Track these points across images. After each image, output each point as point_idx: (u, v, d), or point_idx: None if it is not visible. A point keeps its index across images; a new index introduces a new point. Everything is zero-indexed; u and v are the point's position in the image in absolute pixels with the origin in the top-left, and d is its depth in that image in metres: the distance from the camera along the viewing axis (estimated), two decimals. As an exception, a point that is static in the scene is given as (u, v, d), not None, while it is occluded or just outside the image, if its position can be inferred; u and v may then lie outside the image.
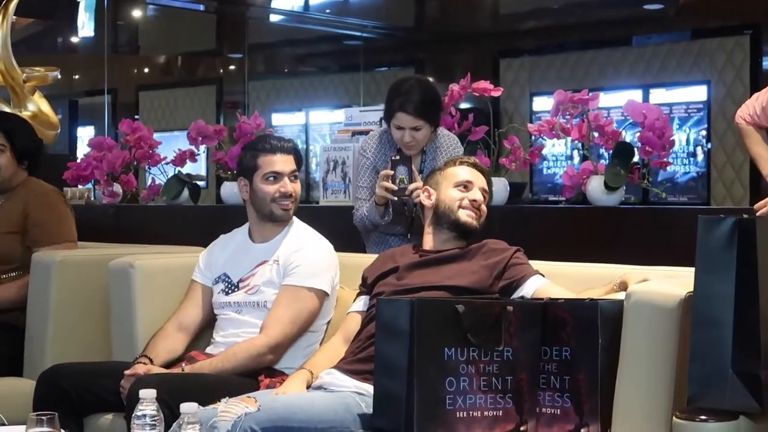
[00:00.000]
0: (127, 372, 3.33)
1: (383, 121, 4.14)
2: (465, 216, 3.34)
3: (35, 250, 4.16)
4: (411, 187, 3.81)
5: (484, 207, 3.38)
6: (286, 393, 3.12)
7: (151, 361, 3.40)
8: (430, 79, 4.27)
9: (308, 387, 3.19)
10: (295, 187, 3.58)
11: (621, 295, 2.80)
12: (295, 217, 3.65)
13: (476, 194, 3.36)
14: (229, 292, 3.59)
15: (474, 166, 3.44)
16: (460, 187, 3.37)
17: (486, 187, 3.42)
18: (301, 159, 3.66)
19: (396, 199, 3.88)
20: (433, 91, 4.04)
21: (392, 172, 3.85)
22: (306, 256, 3.52)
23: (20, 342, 4.06)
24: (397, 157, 3.90)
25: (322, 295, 3.52)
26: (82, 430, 3.48)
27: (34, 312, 4.02)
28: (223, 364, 3.37)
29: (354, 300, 3.45)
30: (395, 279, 3.32)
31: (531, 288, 3.14)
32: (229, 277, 3.62)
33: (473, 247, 3.32)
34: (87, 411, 3.51)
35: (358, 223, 4.08)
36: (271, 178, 3.55)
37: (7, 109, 5.76)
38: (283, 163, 3.56)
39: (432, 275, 3.24)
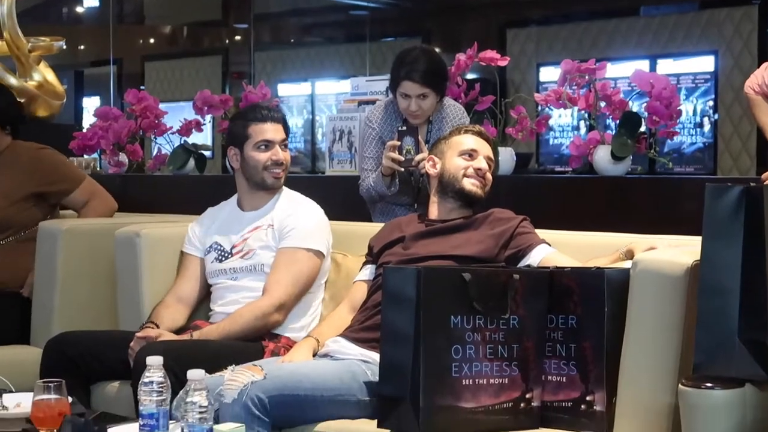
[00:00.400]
0: (138, 334, 3.34)
1: (389, 91, 4.12)
2: (470, 184, 3.33)
3: (65, 203, 4.23)
4: (417, 157, 3.81)
5: (489, 175, 3.37)
6: (292, 361, 3.13)
7: (158, 327, 3.42)
8: (436, 49, 4.25)
9: (314, 355, 3.20)
10: (285, 156, 3.61)
11: (627, 264, 2.80)
12: (284, 186, 3.67)
13: (481, 163, 3.35)
14: (223, 259, 3.61)
15: (479, 134, 3.43)
16: (465, 155, 3.36)
17: (491, 156, 3.41)
18: (288, 129, 3.70)
19: (402, 169, 3.88)
20: (439, 60, 4.04)
21: (398, 143, 3.85)
22: (300, 219, 3.55)
23: (27, 310, 4.08)
24: (404, 128, 3.90)
25: (320, 256, 3.54)
26: (89, 397, 3.50)
27: (40, 280, 4.04)
28: (230, 327, 3.39)
29: (360, 269, 3.46)
30: (401, 248, 3.32)
31: (537, 257, 3.14)
32: (221, 245, 3.63)
33: (479, 216, 3.32)
34: (93, 379, 3.53)
35: (364, 194, 4.08)
36: (263, 147, 3.57)
37: (13, 80, 5.75)
38: (273, 131, 3.59)
39: (438, 245, 3.24)
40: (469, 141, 3.39)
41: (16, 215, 4.16)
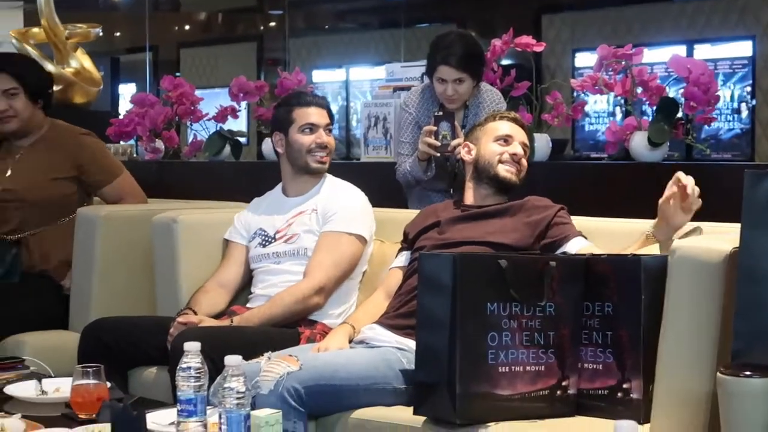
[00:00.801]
0: (179, 319, 3.36)
1: (425, 76, 4.12)
2: (504, 171, 3.32)
3: (98, 194, 4.25)
4: (454, 143, 3.81)
5: (524, 161, 3.36)
6: (328, 348, 3.14)
7: (195, 314, 3.43)
8: (472, 33, 4.24)
9: (350, 341, 3.21)
10: (330, 140, 3.63)
11: (655, 249, 2.79)
12: (327, 173, 3.68)
13: (516, 148, 3.34)
14: (266, 244, 3.62)
15: (514, 120, 3.42)
16: (500, 141, 3.35)
17: (526, 142, 3.40)
18: (332, 116, 3.71)
19: (438, 155, 3.87)
20: (475, 44, 4.03)
21: (435, 128, 3.84)
22: (343, 203, 3.56)
23: (66, 297, 4.11)
24: (440, 113, 3.89)
25: (362, 241, 3.55)
26: (127, 382, 3.52)
27: (79, 266, 4.06)
28: (271, 311, 3.40)
29: (396, 256, 3.46)
30: (437, 233, 3.32)
31: (572, 249, 3.12)
32: (265, 231, 3.65)
33: (516, 203, 3.31)
34: (130, 364, 3.56)
35: (401, 179, 4.08)
36: (307, 130, 3.59)
37: (50, 66, 5.78)
38: (318, 115, 3.61)
39: (474, 230, 3.24)
40: (504, 127, 3.38)
41: (55, 194, 4.17)
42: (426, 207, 3.66)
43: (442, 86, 3.96)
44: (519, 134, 3.38)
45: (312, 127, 3.60)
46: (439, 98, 4.01)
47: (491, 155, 3.34)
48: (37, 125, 4.27)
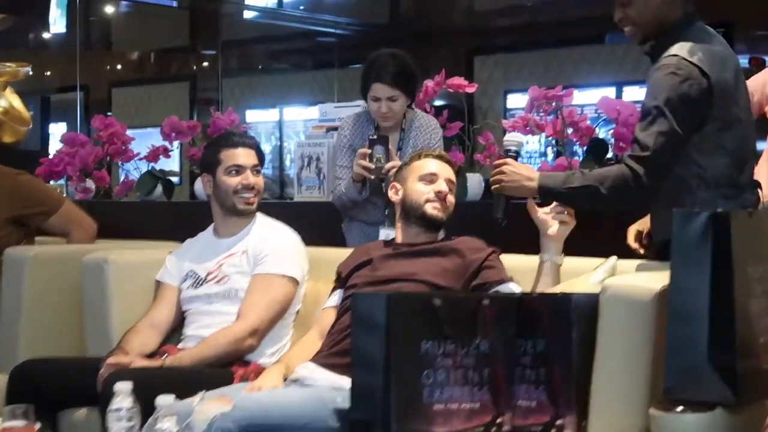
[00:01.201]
0: (109, 361, 3.32)
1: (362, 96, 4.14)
2: (431, 209, 3.34)
3: (44, 228, 4.24)
4: (387, 165, 3.86)
5: (451, 198, 3.39)
6: (262, 386, 3.11)
7: (127, 354, 3.39)
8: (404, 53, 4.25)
9: (284, 380, 3.19)
10: (257, 181, 3.62)
11: (596, 288, 2.82)
12: (258, 212, 3.67)
13: (441, 186, 3.37)
14: (198, 285, 3.61)
15: (439, 157, 3.45)
16: (425, 180, 3.38)
17: (452, 178, 3.42)
18: (262, 156, 3.72)
19: (373, 177, 3.91)
20: (408, 63, 4.07)
21: (369, 151, 3.88)
22: (275, 245, 3.55)
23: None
24: (374, 137, 3.93)
25: (294, 282, 3.54)
26: (57, 425, 3.46)
27: (6, 307, 4.00)
28: (204, 352, 3.38)
29: (329, 295, 3.45)
30: (369, 270, 3.33)
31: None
32: (196, 273, 3.64)
33: (448, 243, 3.32)
34: (60, 406, 3.51)
35: (337, 201, 4.10)
36: (234, 171, 3.59)
37: (-22, 105, 5.70)
38: (245, 156, 3.61)
39: (406, 267, 3.25)
40: (429, 165, 3.41)
41: None
42: (358, 246, 3.67)
43: (376, 104, 3.99)
44: (444, 171, 3.41)
45: (238, 169, 3.60)
46: (374, 116, 4.05)
47: (418, 195, 3.36)
48: None
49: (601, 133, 4.44)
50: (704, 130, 2.97)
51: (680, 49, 3.01)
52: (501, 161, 3.21)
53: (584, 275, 3.14)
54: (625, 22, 3.23)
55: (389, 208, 3.93)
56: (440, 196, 3.35)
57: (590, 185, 3.01)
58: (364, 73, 4.03)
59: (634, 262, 3.12)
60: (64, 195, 5.90)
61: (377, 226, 4.01)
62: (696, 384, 2.38)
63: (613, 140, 4.18)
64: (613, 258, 3.15)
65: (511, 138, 3.26)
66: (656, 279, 2.59)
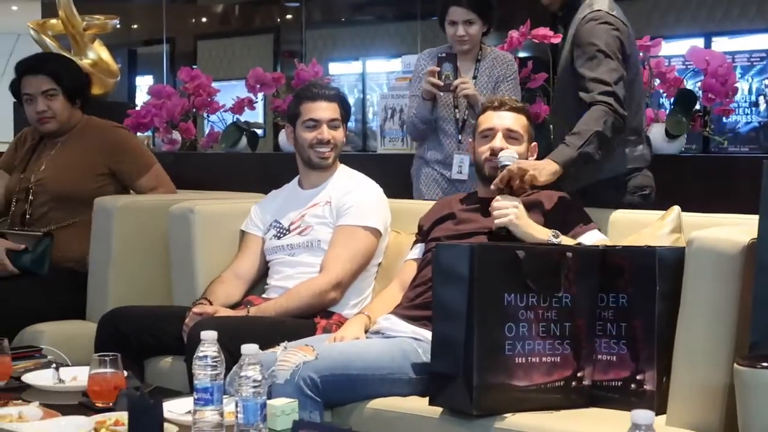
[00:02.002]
0: (194, 310, 3.37)
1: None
2: (489, 169, 3.29)
3: (135, 184, 4.29)
4: (456, 81, 3.90)
5: (508, 150, 3.26)
6: (344, 337, 3.14)
7: (210, 303, 3.44)
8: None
9: (366, 332, 3.21)
10: (334, 135, 3.60)
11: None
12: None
13: (496, 141, 3.29)
14: (281, 236, 3.63)
15: (498, 107, 3.35)
16: (484, 137, 3.33)
17: (511, 127, 3.31)
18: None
19: (442, 94, 3.96)
20: None
21: (438, 69, 3.93)
22: (358, 196, 3.56)
23: (83, 288, 4.12)
24: (443, 54, 3.97)
25: (377, 234, 3.55)
26: (143, 372, 3.53)
27: (96, 257, 4.08)
28: (287, 303, 3.41)
29: (411, 248, 3.45)
30: (452, 224, 3.32)
31: (588, 241, 3.11)
32: (280, 223, 3.66)
33: (530, 197, 3.27)
34: (147, 354, 3.57)
35: (409, 127, 4.18)
36: (310, 125, 3.58)
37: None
38: (322, 110, 3.59)
39: (489, 221, 3.22)
40: (486, 120, 3.35)
41: (89, 190, 4.19)
42: (440, 199, 3.66)
43: (452, 28, 4.02)
44: (502, 122, 3.32)
45: (315, 123, 3.60)
46: (450, 42, 4.07)
47: (479, 155, 3.33)
48: (75, 124, 4.34)
49: (689, 84, 4.37)
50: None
51: (601, 4, 3.45)
52: (514, 166, 3.15)
53: (649, 227, 3.10)
54: None
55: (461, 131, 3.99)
56: (496, 152, 3.29)
57: (592, 133, 3.20)
58: None
59: (696, 215, 3.10)
60: (152, 146, 6.00)
61: (446, 168, 3.99)
62: (783, 339, 2.35)
63: (701, 92, 4.10)
64: (676, 208, 3.11)
65: (507, 154, 3.21)
66: (744, 232, 2.54)
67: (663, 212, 3.14)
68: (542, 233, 3.07)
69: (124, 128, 4.45)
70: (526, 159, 3.27)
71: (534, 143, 3.37)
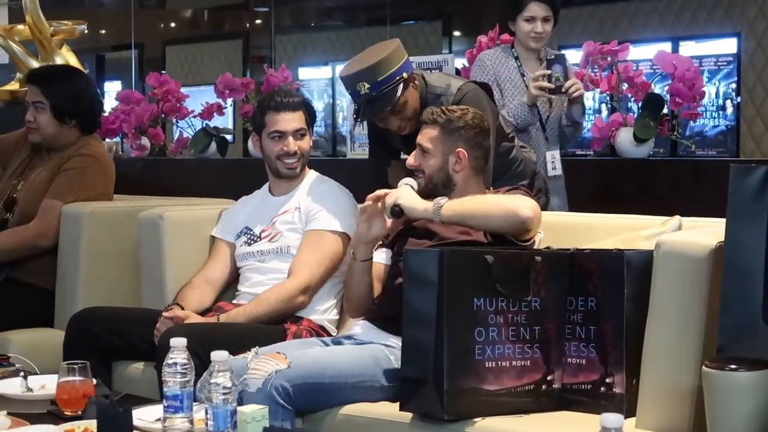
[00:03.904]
0: (165, 314, 3.36)
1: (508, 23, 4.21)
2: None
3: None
4: (567, 83, 3.91)
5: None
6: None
7: (182, 309, 3.43)
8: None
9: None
10: (300, 145, 3.58)
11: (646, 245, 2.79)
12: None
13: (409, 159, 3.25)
14: (252, 243, 3.63)
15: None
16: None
17: (421, 142, 3.20)
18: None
19: (554, 96, 3.98)
20: None
21: (548, 72, 3.94)
22: (327, 202, 3.56)
23: (51, 302, 4.07)
24: (552, 56, 3.99)
25: (345, 239, 3.54)
26: (111, 374, 3.52)
27: (64, 263, 4.05)
28: (256, 309, 3.40)
29: (375, 250, 3.42)
30: (417, 230, 3.29)
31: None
32: (251, 230, 3.65)
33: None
34: (116, 356, 3.56)
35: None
36: (276, 137, 3.57)
37: (35, 64, 5.76)
38: (287, 121, 3.57)
39: (452, 229, 3.17)
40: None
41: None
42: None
43: (530, 25, 4.06)
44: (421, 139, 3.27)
45: (280, 135, 3.57)
46: (524, 39, 4.09)
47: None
48: (68, 144, 4.19)
49: (657, 88, 4.40)
50: None
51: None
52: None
53: (635, 232, 3.09)
54: None
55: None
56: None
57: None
58: None
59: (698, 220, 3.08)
60: (121, 152, 5.97)
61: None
62: (750, 341, 2.37)
63: (669, 96, 4.14)
64: (677, 217, 3.09)
65: (407, 181, 3.18)
66: (711, 235, 2.56)
67: (665, 218, 3.10)
68: (425, 204, 3.07)
69: (95, 158, 4.18)
70: (447, 168, 3.17)
71: (459, 149, 3.16)
